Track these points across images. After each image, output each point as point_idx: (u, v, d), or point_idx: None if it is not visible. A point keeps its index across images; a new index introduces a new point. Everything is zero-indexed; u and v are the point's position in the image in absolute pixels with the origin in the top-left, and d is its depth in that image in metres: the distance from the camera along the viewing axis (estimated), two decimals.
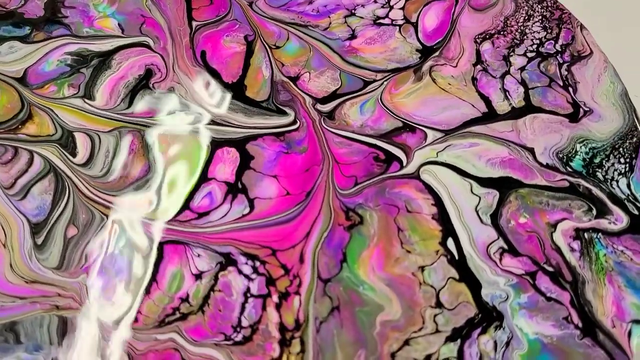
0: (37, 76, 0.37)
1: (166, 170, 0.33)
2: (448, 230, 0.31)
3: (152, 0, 0.40)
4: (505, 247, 0.31)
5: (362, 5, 0.41)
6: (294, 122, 0.35)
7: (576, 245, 0.31)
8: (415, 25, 0.40)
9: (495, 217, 0.32)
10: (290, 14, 0.40)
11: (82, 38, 0.38)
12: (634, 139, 0.35)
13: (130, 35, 0.39)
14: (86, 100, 0.36)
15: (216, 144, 0.34)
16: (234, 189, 0.32)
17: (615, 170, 0.34)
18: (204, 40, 0.39)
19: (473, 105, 0.36)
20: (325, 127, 0.35)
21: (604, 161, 0.34)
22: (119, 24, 0.39)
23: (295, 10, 0.41)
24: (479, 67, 0.38)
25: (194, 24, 0.40)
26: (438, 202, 0.32)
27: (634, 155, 0.34)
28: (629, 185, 0.33)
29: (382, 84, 0.37)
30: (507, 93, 0.37)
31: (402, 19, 0.40)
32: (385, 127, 0.35)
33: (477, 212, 0.32)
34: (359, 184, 0.33)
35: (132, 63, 0.37)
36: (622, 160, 0.34)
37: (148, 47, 0.38)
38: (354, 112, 0.36)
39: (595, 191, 0.33)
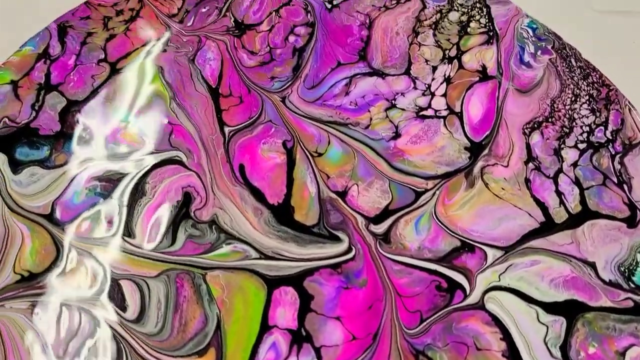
0: (67, 211, 0.34)
1: (224, 320, 0.32)
2: None
3: (177, 103, 0.37)
4: None
5: (402, 94, 0.38)
6: (349, 250, 0.34)
7: None
8: (460, 116, 0.38)
9: (564, 349, 0.32)
10: (327, 109, 0.38)
11: (108, 157, 0.35)
12: None
13: (160, 150, 0.36)
14: (126, 239, 0.33)
15: (272, 284, 0.32)
16: (299, 338, 0.31)
17: None
18: (240, 152, 0.36)
19: (530, 214, 0.35)
20: (383, 253, 0.34)
21: None
22: (145, 136, 0.36)
23: (332, 104, 0.38)
24: (531, 165, 0.36)
25: (227, 129, 0.37)
26: (506, 335, 0.32)
27: None
28: None
29: (434, 193, 0.35)
30: (562, 196, 0.36)
31: (445, 109, 0.38)
32: (443, 247, 0.34)
33: (546, 344, 0.32)
34: (424, 321, 0.32)
35: (167, 186, 0.35)
36: None
37: (181, 163, 0.35)
38: (409, 231, 0.34)
39: None
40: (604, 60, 0.43)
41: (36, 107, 0.37)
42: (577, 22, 0.47)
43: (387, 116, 0.38)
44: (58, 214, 0.34)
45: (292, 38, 0.40)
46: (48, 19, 0.40)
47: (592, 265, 0.34)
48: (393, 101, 0.38)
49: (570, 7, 0.47)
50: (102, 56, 0.38)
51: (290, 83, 0.38)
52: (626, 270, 0.34)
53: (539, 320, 0.32)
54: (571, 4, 0.47)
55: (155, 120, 0.37)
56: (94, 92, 0.37)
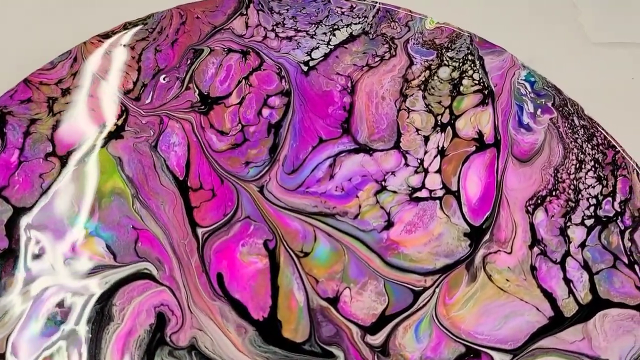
0: (25, 346, 0.30)
1: None
2: None
3: (141, 201, 0.33)
4: None
5: (393, 173, 0.35)
6: None
7: None
8: (457, 196, 0.34)
9: None
10: (311, 198, 0.34)
11: (66, 277, 0.31)
12: None
13: (125, 263, 0.32)
14: None
15: None
16: None
17: None
18: (217, 258, 0.32)
19: (537, 309, 0.32)
20: None
21: None
22: (107, 246, 0.32)
23: (316, 191, 0.34)
24: (536, 249, 0.33)
25: (200, 231, 0.33)
26: None
27: None
28: None
29: (434, 291, 0.32)
30: (571, 284, 0.33)
31: (440, 188, 0.34)
32: (446, 355, 0.31)
33: None
34: None
35: (137, 307, 0.31)
36: None
37: (151, 277, 0.31)
38: (409, 340, 0.31)
39: None
40: (604, 99, 0.40)
41: None
42: (575, 57, 0.44)
43: (377, 201, 0.34)
44: (14, 352, 0.30)
45: (265, 111, 0.35)
46: None
47: None
48: (383, 182, 0.34)
49: (567, 41, 0.44)
50: (50, 149, 0.33)
51: (267, 168, 0.34)
52: None
53: None
54: (568, 37, 0.44)
55: (118, 225, 0.32)
56: (44, 195, 0.33)
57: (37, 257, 0.31)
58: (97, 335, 0.30)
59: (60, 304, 0.31)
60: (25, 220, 0.32)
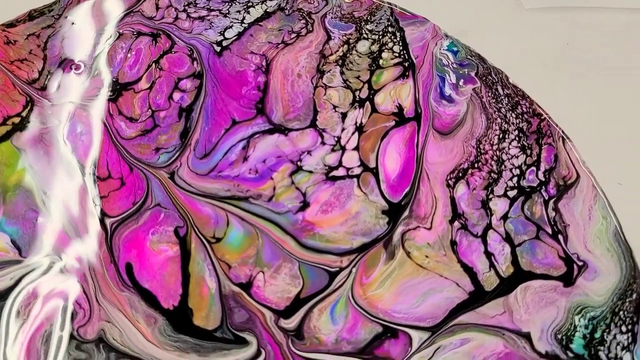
0: None
1: None
2: None
3: (48, 194, 0.32)
4: None
5: (309, 152, 0.34)
6: (257, 354, 0.30)
7: None
8: (375, 173, 0.33)
9: None
10: (223, 182, 0.33)
11: None
12: (634, 295, 0.32)
13: (32, 256, 0.31)
14: None
15: None
16: None
17: (618, 344, 0.31)
18: (126, 248, 0.31)
19: (457, 284, 0.31)
20: (296, 352, 0.30)
21: (605, 334, 0.31)
22: (12, 241, 0.31)
23: (228, 175, 0.33)
24: (456, 224, 0.32)
25: (108, 221, 0.32)
26: None
27: (635, 319, 0.31)
28: None
29: (351, 271, 0.31)
30: (492, 257, 0.32)
31: (358, 165, 0.33)
32: (363, 336, 0.30)
33: None
34: None
35: (43, 301, 0.30)
36: (623, 328, 0.31)
37: (58, 270, 0.31)
38: (324, 322, 0.31)
39: None
40: (535, 66, 0.39)
41: None
42: (508, 24, 0.42)
43: (292, 182, 0.33)
44: None
45: (177, 95, 0.34)
46: None
47: (527, 337, 0.31)
48: (299, 162, 0.33)
49: (500, 9, 0.42)
50: None
51: (178, 153, 0.33)
52: (563, 337, 0.31)
53: None
54: (500, 4, 0.42)
55: (23, 219, 0.32)
56: None
57: None
58: (6, 330, 0.30)
59: None
60: None
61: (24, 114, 0.33)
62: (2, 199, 0.32)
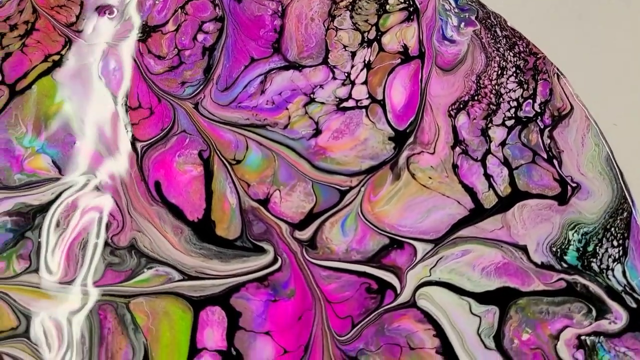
0: None
1: (152, 348, 0.31)
2: None
3: (84, 121, 0.35)
4: None
5: (321, 86, 0.36)
6: (274, 260, 0.33)
7: (580, 355, 0.31)
8: (382, 104, 0.36)
9: (498, 339, 0.31)
10: (242, 112, 0.36)
11: (15, 189, 0.33)
12: (624, 214, 0.34)
13: (70, 175, 0.34)
14: (42, 275, 0.32)
15: (198, 305, 0.31)
16: (229, 358, 0.31)
17: (610, 256, 0.33)
18: (155, 168, 0.34)
19: (459, 202, 0.34)
20: (309, 259, 0.33)
21: (597, 248, 0.33)
22: (53, 162, 0.34)
23: (247, 106, 0.36)
24: (458, 149, 0.35)
25: (139, 145, 0.35)
26: (439, 332, 0.31)
27: (625, 235, 0.34)
28: (624, 273, 0.33)
29: (360, 190, 0.34)
30: (491, 179, 0.34)
31: (367, 97, 0.36)
32: (371, 247, 0.33)
33: (479, 335, 0.31)
34: (356, 326, 0.31)
35: (81, 213, 0.33)
36: (614, 242, 0.33)
37: (94, 187, 0.34)
38: (335, 234, 0.33)
39: (593, 288, 0.32)
40: (531, 23, 0.42)
41: None
42: None
43: (306, 112, 0.36)
44: None
45: (200, 36, 0.38)
46: None
47: (524, 249, 0.33)
48: (312, 95, 0.36)
49: None
50: (0, 78, 0.36)
51: (202, 87, 0.36)
52: (558, 250, 0.33)
53: (471, 312, 0.32)
54: None
55: (63, 143, 0.35)
56: None
57: None
58: (46, 239, 0.33)
59: (10, 213, 0.33)
60: None
61: (63, 52, 0.37)
62: (43, 125, 0.35)
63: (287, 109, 0.36)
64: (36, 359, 0.30)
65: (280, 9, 0.39)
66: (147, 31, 0.38)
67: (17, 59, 0.37)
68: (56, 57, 0.37)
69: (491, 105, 0.36)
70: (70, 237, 0.33)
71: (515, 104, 0.36)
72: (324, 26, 0.38)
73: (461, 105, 0.36)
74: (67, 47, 0.37)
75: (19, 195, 0.33)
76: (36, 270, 0.32)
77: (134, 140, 0.35)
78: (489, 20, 0.38)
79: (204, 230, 0.33)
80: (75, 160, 0.34)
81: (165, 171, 0.34)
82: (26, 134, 0.35)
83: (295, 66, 0.37)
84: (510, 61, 0.37)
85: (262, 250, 0.33)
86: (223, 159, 0.35)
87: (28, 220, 0.33)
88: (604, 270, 0.33)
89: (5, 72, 0.36)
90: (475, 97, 0.36)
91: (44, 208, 0.33)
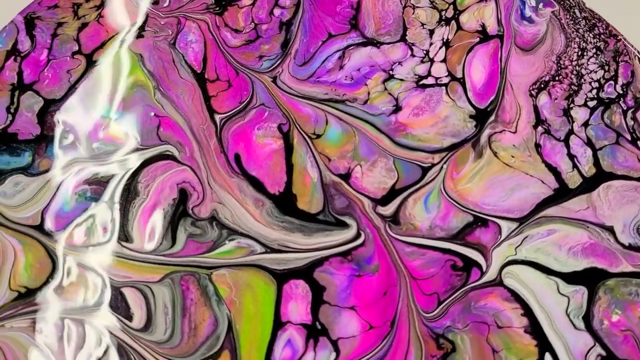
0: (58, 219, 0.32)
1: (236, 320, 0.30)
2: (543, 343, 0.30)
3: (162, 92, 0.35)
4: (604, 353, 0.30)
5: (400, 63, 0.36)
6: (357, 235, 0.32)
7: None
8: (462, 82, 0.36)
9: (587, 320, 0.31)
10: (321, 87, 0.35)
11: (94, 158, 0.33)
12: None
13: (148, 145, 0.34)
14: (123, 244, 0.32)
15: (281, 278, 0.31)
16: (314, 332, 0.30)
17: None
18: (234, 140, 0.34)
19: (542, 181, 0.33)
20: (393, 235, 0.32)
21: None
22: (131, 131, 0.34)
23: (326, 80, 0.36)
24: (540, 129, 0.34)
25: (217, 117, 0.34)
26: (527, 310, 0.31)
27: None
28: None
29: (442, 167, 0.34)
30: (575, 159, 0.34)
31: (446, 75, 0.36)
32: (455, 224, 0.32)
33: (568, 316, 0.31)
34: (442, 303, 0.31)
35: (161, 184, 0.33)
36: None
37: (173, 158, 0.33)
38: (419, 210, 0.33)
39: None
40: (610, 6, 0.41)
41: (12, 110, 0.34)
42: None
43: (385, 89, 0.35)
44: (49, 224, 0.32)
45: (277, 11, 0.37)
46: (11, 10, 0.37)
47: (610, 230, 0.33)
48: (390, 72, 0.36)
49: None
50: (76, 48, 0.36)
51: (280, 61, 0.36)
52: None
53: (559, 292, 0.31)
54: None
55: (140, 114, 0.34)
56: (72, 89, 0.35)
57: (67, 141, 0.33)
58: (125, 209, 0.32)
59: (89, 182, 0.33)
60: (55, 110, 0.34)
61: (138, 24, 0.36)
62: (122, 95, 0.35)
63: (366, 84, 0.36)
64: (118, 328, 0.30)
65: None
66: (223, 5, 0.37)
67: (93, 30, 0.36)
68: (132, 28, 0.37)
69: (572, 86, 0.36)
70: (151, 206, 0.32)
71: (596, 85, 0.36)
72: (401, 4, 0.38)
73: (542, 85, 0.36)
74: (143, 18, 0.37)
75: (98, 164, 0.33)
76: (116, 239, 0.32)
77: (212, 113, 0.35)
78: (567, 2, 0.38)
79: (285, 203, 0.33)
80: (153, 131, 0.34)
81: (244, 144, 0.34)
82: (104, 104, 0.35)
83: (373, 43, 0.37)
84: (590, 42, 0.37)
85: (344, 225, 0.32)
86: (303, 132, 0.34)
87: (107, 189, 0.33)
88: None
89: (82, 42, 0.36)
90: (556, 78, 0.36)
91: (123, 176, 0.33)
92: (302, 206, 0.33)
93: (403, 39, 0.37)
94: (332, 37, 0.37)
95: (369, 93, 0.35)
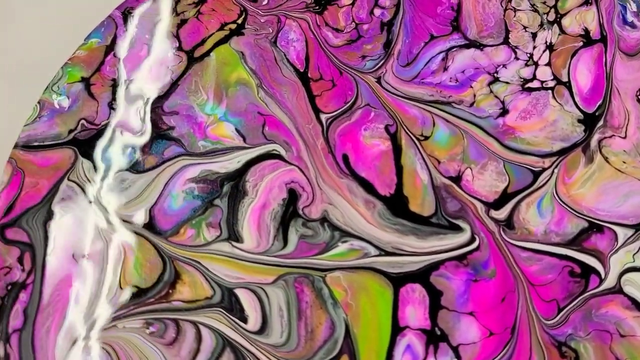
0: (166, 218, 0.31)
1: (353, 324, 0.30)
2: None
3: (266, 91, 0.34)
4: None
5: (504, 66, 0.36)
6: (472, 239, 0.31)
7: None
8: (568, 87, 0.35)
9: None
10: (427, 88, 0.35)
11: (200, 156, 0.32)
12: None
13: (255, 144, 0.33)
14: (234, 244, 0.31)
15: (397, 282, 0.30)
16: (434, 337, 0.29)
17: None
18: (341, 140, 0.33)
19: None
20: (508, 240, 0.31)
21: None
22: (236, 130, 0.33)
23: (431, 82, 0.35)
24: None
25: (323, 117, 0.34)
26: None
27: None
28: None
29: (553, 172, 0.33)
30: None
31: (551, 79, 0.35)
32: (570, 230, 0.32)
33: None
34: (562, 310, 0.30)
35: (269, 184, 0.32)
36: None
37: (280, 157, 0.33)
38: (532, 215, 0.32)
39: None
40: None
41: (114, 106, 0.34)
42: None
43: (491, 91, 0.35)
44: (157, 223, 0.31)
45: (377, 11, 0.37)
46: (106, 4, 0.37)
47: None
48: (495, 74, 0.35)
49: None
50: (176, 44, 0.35)
51: (383, 61, 0.35)
52: None
53: None
54: None
55: (245, 112, 0.34)
56: (174, 85, 0.34)
57: (172, 139, 0.33)
58: (234, 209, 0.32)
59: (196, 180, 0.32)
60: (158, 106, 0.34)
61: (239, 21, 0.36)
62: (224, 93, 0.34)
63: (471, 87, 0.35)
64: (233, 330, 0.29)
65: None
66: (323, 4, 0.37)
67: (193, 26, 0.36)
68: (232, 26, 0.36)
69: None
70: (260, 206, 0.32)
71: None
72: (502, 6, 0.37)
73: None
74: (243, 16, 0.36)
75: (204, 162, 0.32)
76: (227, 239, 0.31)
77: (317, 112, 0.34)
78: None
79: (397, 205, 0.32)
80: (258, 129, 0.33)
81: (352, 144, 0.33)
82: (207, 101, 0.34)
83: (476, 45, 0.36)
84: None
85: (458, 229, 0.32)
86: (410, 134, 0.34)
87: (215, 187, 0.32)
88: None
89: (182, 39, 0.35)
90: None
91: (231, 176, 0.32)
92: (414, 208, 0.32)
93: (506, 41, 0.36)
94: (435, 38, 0.36)
95: (474, 95, 0.35)
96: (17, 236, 0.30)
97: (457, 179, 0.33)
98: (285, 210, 0.32)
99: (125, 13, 0.36)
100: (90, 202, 0.31)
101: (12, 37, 0.37)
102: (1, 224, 0.31)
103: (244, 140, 0.33)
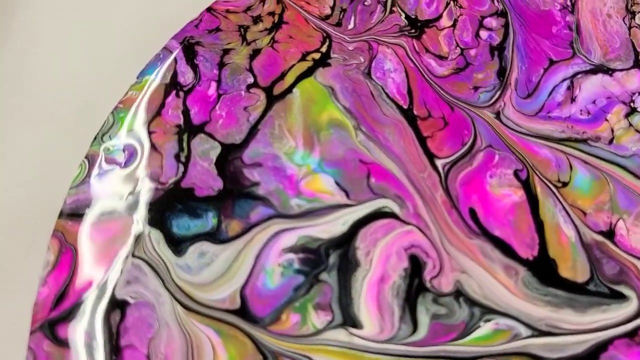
0: (262, 301, 0.25)
1: None
2: None
3: (366, 134, 0.28)
4: None
5: (639, 93, 0.31)
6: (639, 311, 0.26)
7: None
8: None
9: None
10: (556, 123, 0.29)
11: (296, 218, 0.26)
12: None
13: (360, 201, 0.27)
14: (351, 331, 0.25)
15: None
16: None
17: None
18: (464, 191, 0.27)
19: None
20: None
21: None
22: (336, 183, 0.27)
23: (559, 116, 0.30)
24: None
25: (439, 163, 0.28)
26: None
27: None
28: None
29: None
30: None
31: None
32: None
33: None
34: None
35: (385, 250, 0.26)
36: None
37: (394, 216, 0.27)
38: None
39: None
40: None
41: (182, 159, 0.27)
42: None
43: (630, 124, 0.30)
44: (251, 308, 0.25)
45: (484, 34, 0.31)
46: (158, 34, 0.31)
47: None
48: (631, 104, 0.30)
49: None
50: (251, 80, 0.29)
51: (499, 93, 0.30)
52: None
53: None
54: None
55: (343, 160, 0.28)
56: (253, 130, 0.28)
57: (258, 197, 0.27)
58: (345, 285, 0.25)
59: (294, 249, 0.26)
60: (237, 157, 0.27)
61: (323, 49, 0.30)
62: (316, 138, 0.28)
63: (606, 120, 0.30)
64: None
65: (569, 2, 0.32)
66: (420, 26, 0.31)
67: (268, 57, 0.30)
68: (316, 55, 0.30)
69: None
70: (378, 280, 0.26)
71: None
72: (625, 24, 0.32)
73: None
74: (327, 43, 0.31)
75: (301, 226, 0.26)
76: (342, 325, 0.25)
77: (431, 157, 0.28)
78: None
79: (544, 270, 0.26)
80: (362, 182, 0.27)
81: (478, 195, 0.27)
82: (297, 149, 0.28)
83: (603, 69, 0.31)
84: None
85: (621, 297, 0.26)
86: (545, 180, 0.28)
87: (319, 258, 0.26)
88: None
89: (257, 73, 0.29)
90: None
91: (336, 243, 0.26)
92: (565, 274, 0.26)
93: (637, 64, 0.31)
94: (555, 63, 0.31)
95: (612, 130, 0.29)
96: (73, 335, 0.24)
97: (609, 234, 0.27)
98: (410, 284, 0.26)
99: (186, 44, 0.30)
100: (164, 283, 0.25)
101: (44, 73, 0.30)
102: (50, 318, 0.24)
103: (347, 195, 0.27)
